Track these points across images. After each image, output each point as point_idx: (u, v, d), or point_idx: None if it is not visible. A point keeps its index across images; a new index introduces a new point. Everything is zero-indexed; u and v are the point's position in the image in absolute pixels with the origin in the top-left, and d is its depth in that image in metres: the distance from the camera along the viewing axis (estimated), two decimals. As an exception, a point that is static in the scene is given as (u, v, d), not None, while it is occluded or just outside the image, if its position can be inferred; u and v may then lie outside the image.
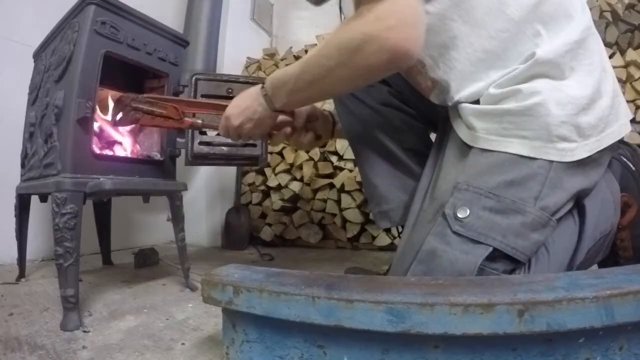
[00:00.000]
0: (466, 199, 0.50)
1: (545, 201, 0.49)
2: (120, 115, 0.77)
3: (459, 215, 0.49)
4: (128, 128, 1.06)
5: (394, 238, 1.50)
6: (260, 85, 0.66)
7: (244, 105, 0.67)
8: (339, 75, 0.53)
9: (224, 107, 0.72)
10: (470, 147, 0.55)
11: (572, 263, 0.54)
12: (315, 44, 1.85)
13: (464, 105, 0.56)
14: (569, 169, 0.49)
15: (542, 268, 0.51)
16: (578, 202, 0.54)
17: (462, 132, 0.58)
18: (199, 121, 0.81)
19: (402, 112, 0.77)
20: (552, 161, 0.49)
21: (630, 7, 1.32)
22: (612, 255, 0.61)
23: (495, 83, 0.53)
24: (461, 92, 0.57)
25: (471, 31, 0.53)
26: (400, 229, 0.83)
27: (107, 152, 1.01)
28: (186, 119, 0.80)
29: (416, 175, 0.73)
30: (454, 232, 0.49)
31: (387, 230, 1.53)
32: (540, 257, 0.51)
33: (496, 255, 0.48)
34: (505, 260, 0.49)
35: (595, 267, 0.62)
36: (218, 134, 0.90)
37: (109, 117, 0.95)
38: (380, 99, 0.76)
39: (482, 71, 0.54)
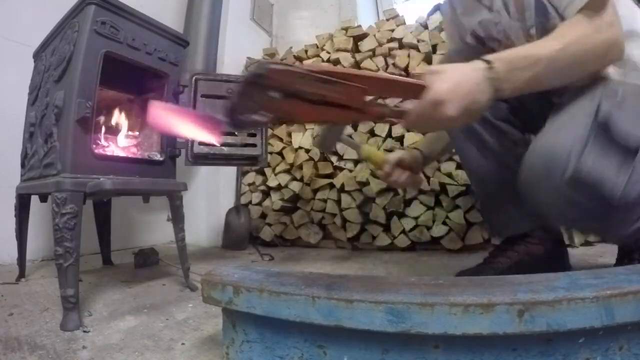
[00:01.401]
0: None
1: None
2: (256, 107, 0.48)
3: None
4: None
5: (394, 238, 1.50)
6: (482, 65, 0.53)
7: (464, 89, 0.51)
8: (586, 68, 0.60)
9: (418, 88, 0.52)
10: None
11: None
12: (315, 44, 1.85)
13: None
14: None
15: None
16: None
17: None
18: (386, 110, 0.54)
19: (515, 128, 0.84)
20: None
21: (630, 7, 1.32)
22: None
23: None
24: None
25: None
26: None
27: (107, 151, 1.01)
28: (372, 107, 0.53)
29: None
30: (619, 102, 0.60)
31: (387, 230, 1.53)
32: None
33: None
34: None
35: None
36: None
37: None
38: (500, 116, 0.83)
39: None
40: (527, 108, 0.81)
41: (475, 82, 0.52)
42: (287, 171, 1.77)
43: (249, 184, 1.89)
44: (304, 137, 1.74)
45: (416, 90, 0.51)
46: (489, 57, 0.54)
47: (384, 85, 0.54)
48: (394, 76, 0.54)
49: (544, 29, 0.64)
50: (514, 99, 0.77)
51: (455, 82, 0.52)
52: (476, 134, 0.84)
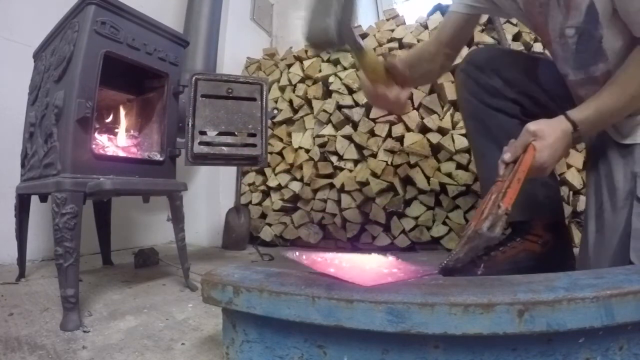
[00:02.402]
0: None
1: None
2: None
3: None
4: None
5: (394, 238, 1.50)
6: (570, 128, 0.66)
7: (559, 153, 0.66)
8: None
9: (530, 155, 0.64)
10: (630, 148, 0.69)
11: None
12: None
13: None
14: None
15: None
16: None
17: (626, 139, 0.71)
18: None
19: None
20: None
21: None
22: None
23: None
24: None
25: None
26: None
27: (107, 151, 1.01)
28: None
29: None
30: None
31: (387, 230, 1.53)
32: None
33: None
34: None
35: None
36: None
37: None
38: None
39: None
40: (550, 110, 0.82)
41: (566, 144, 0.66)
42: (287, 171, 1.76)
43: (249, 184, 1.89)
44: (304, 137, 1.74)
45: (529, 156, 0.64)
46: (574, 117, 0.65)
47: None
48: (527, 163, 0.63)
49: (589, 35, 0.68)
50: (536, 107, 0.84)
51: (554, 149, 0.65)
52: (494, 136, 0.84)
